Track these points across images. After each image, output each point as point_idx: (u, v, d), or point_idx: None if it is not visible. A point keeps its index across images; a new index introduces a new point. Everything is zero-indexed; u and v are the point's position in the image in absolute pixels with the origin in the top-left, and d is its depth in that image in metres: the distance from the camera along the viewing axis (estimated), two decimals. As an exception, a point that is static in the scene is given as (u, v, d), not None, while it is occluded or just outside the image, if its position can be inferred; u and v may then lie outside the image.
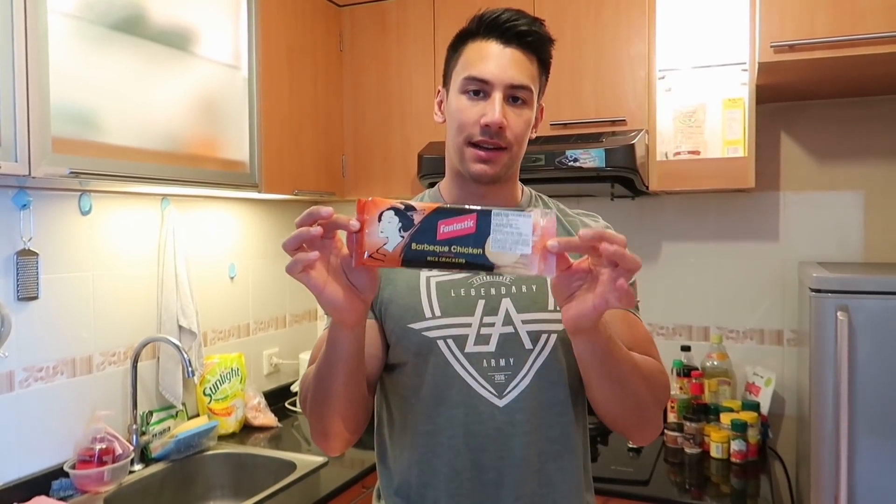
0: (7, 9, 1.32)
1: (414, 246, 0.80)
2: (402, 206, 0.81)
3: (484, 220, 0.79)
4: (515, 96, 1.03)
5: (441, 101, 1.12)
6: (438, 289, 1.05)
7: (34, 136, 1.36)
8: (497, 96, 1.01)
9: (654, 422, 1.05)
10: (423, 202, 0.82)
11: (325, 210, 0.79)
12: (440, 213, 0.80)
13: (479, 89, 1.02)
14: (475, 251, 0.79)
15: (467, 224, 0.80)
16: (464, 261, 0.80)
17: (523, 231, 0.78)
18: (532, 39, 1.04)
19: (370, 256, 0.80)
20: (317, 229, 0.79)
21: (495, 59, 1.02)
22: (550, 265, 0.79)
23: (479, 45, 1.04)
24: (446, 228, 0.80)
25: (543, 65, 1.08)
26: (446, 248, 0.80)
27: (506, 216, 0.79)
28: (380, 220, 0.80)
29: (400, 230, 0.80)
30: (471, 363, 1.02)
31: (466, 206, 0.81)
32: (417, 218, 0.80)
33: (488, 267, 0.79)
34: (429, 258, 0.80)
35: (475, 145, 1.03)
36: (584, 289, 0.83)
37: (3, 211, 1.61)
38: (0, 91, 1.32)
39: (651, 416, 1.03)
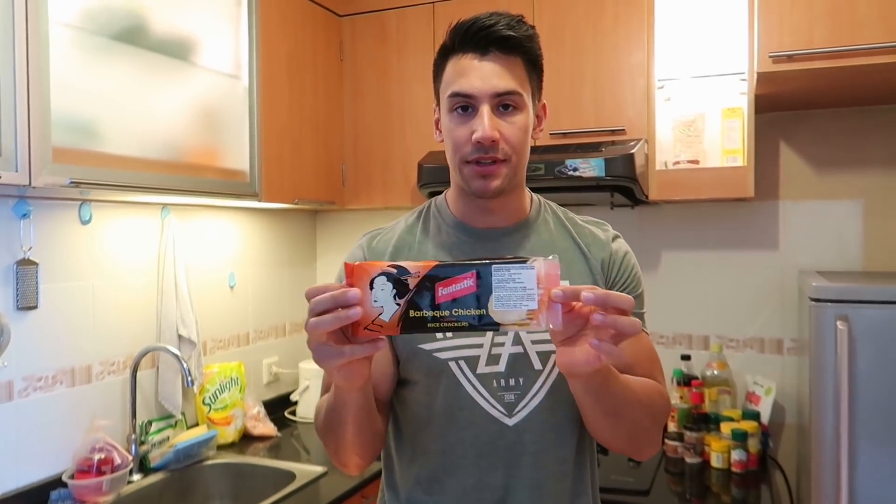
0: (9, 19, 1.33)
1: (412, 313, 0.75)
2: (395, 270, 0.75)
3: (484, 276, 0.74)
4: (505, 104, 0.99)
5: (437, 120, 1.10)
6: None
7: (35, 146, 1.37)
8: (484, 109, 0.98)
9: (651, 443, 1.04)
10: (417, 262, 0.77)
11: (353, 293, 0.75)
12: (436, 274, 0.75)
13: (465, 105, 1.00)
14: (478, 312, 0.75)
15: (467, 283, 0.75)
16: (467, 323, 0.75)
17: (527, 285, 0.74)
18: (511, 43, 1.00)
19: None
20: (356, 311, 0.75)
21: (476, 72, 0.99)
22: (556, 316, 0.75)
23: (457, 61, 1.01)
24: (444, 290, 0.75)
25: (532, 63, 1.04)
26: (447, 312, 0.75)
27: (507, 270, 0.74)
28: (372, 286, 0.75)
29: (395, 297, 0.75)
30: (482, 384, 1.02)
31: (463, 262, 0.76)
32: (412, 282, 0.75)
33: (494, 327, 0.75)
34: (429, 324, 0.76)
35: (472, 163, 1.00)
36: (582, 335, 0.80)
37: (3, 220, 1.61)
38: (1, 101, 1.32)
39: (648, 438, 1.03)
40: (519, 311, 0.74)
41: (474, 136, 0.98)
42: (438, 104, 1.08)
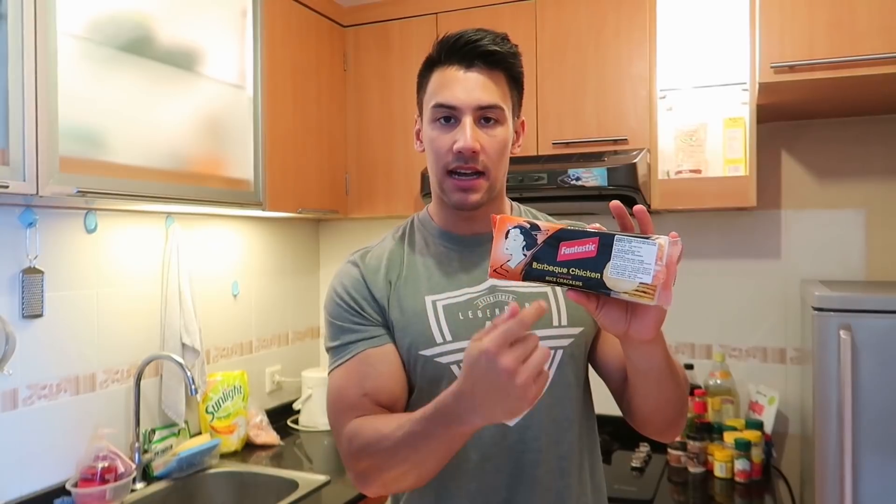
0: (17, 31, 1.34)
1: (535, 265, 0.81)
2: (528, 225, 0.82)
3: (605, 244, 0.78)
4: (487, 116, 1.02)
5: (419, 131, 1.12)
6: (446, 312, 1.04)
7: (42, 156, 1.38)
8: (467, 121, 1.01)
9: (685, 414, 1.07)
10: (549, 222, 0.83)
11: (529, 317, 0.78)
12: (563, 235, 0.81)
13: (448, 115, 1.02)
14: (593, 275, 0.79)
15: (588, 248, 0.79)
16: (581, 283, 0.80)
17: (645, 259, 0.77)
18: (496, 58, 1.03)
19: (495, 271, 0.83)
20: (545, 348, 0.80)
21: (460, 84, 1.02)
22: (669, 296, 0.78)
23: (442, 73, 1.04)
24: (567, 250, 0.80)
25: (514, 80, 1.07)
26: (565, 270, 0.80)
27: (628, 242, 0.78)
28: (506, 236, 0.82)
29: (523, 248, 0.82)
30: None
31: (590, 229, 0.81)
32: (540, 238, 0.81)
33: (605, 291, 0.79)
34: (547, 278, 0.81)
35: (453, 173, 1.03)
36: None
37: (9, 229, 1.63)
38: (10, 111, 1.33)
39: (685, 407, 1.05)
40: (632, 282, 0.77)
41: (455, 146, 1.01)
42: (420, 115, 1.11)
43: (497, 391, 0.78)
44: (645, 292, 0.77)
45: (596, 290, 0.79)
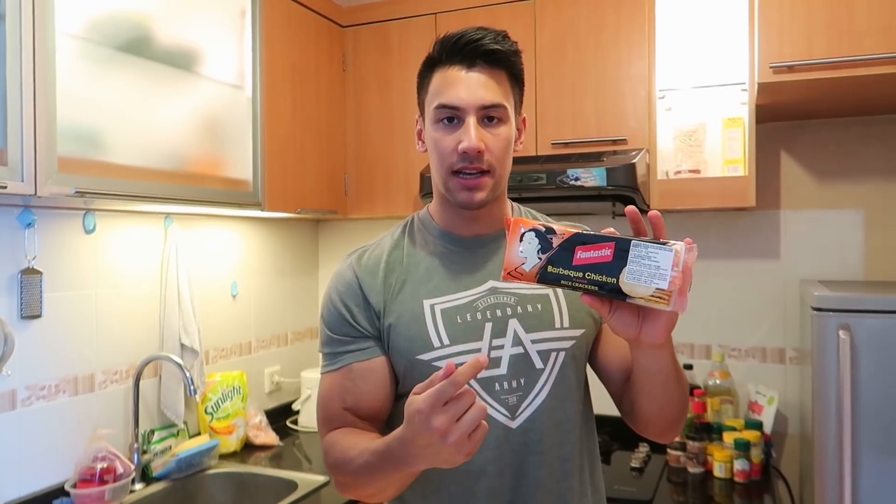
0: (16, 31, 1.34)
1: (550, 269, 0.81)
2: (543, 229, 0.82)
3: (622, 250, 0.78)
4: (490, 116, 1.02)
5: (420, 131, 1.12)
6: (444, 316, 1.04)
7: (41, 156, 1.38)
8: (471, 121, 1.01)
9: (684, 416, 1.07)
10: (564, 225, 0.83)
11: (462, 376, 0.79)
12: (578, 239, 0.80)
13: (451, 116, 1.02)
14: (609, 280, 0.78)
15: (604, 252, 0.79)
16: (596, 288, 0.79)
17: (662, 265, 0.77)
18: (497, 57, 1.03)
19: (509, 273, 0.83)
20: (482, 403, 0.81)
21: (463, 84, 1.01)
22: (685, 301, 0.78)
23: (444, 73, 1.04)
24: (583, 255, 0.80)
25: (515, 77, 1.07)
26: (580, 274, 0.80)
27: (645, 248, 0.78)
28: (521, 239, 0.82)
29: (538, 252, 0.82)
30: (483, 388, 1.02)
31: (606, 234, 0.80)
32: (556, 241, 0.81)
33: (621, 297, 0.79)
34: (563, 282, 0.81)
35: (458, 173, 1.02)
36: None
37: (7, 230, 1.62)
38: (8, 111, 1.33)
39: (686, 408, 1.05)
40: (648, 288, 0.77)
41: (461, 147, 1.00)
42: (421, 115, 1.11)
43: (432, 447, 0.81)
44: (661, 298, 0.77)
45: (612, 295, 0.79)
